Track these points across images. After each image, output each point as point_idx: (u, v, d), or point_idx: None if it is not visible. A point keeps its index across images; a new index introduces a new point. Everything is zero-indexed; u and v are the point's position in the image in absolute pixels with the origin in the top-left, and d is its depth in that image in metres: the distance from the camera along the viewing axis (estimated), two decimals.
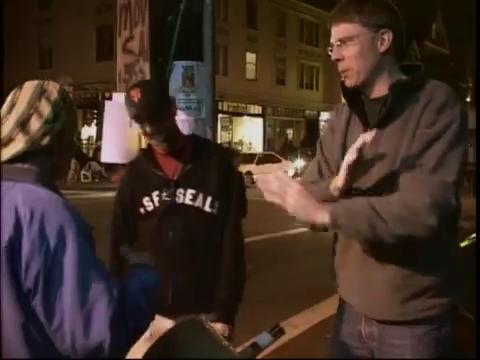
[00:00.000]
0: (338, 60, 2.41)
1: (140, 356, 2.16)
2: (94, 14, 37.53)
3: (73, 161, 29.67)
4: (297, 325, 6.38)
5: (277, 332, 2.39)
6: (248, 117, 45.75)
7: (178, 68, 4.10)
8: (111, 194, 4.55)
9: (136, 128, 4.05)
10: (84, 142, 37.52)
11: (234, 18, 41.69)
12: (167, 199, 3.10)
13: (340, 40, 2.38)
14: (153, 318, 1.99)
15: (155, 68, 4.26)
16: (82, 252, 1.79)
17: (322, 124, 53.93)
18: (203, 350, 2.21)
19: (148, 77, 4.32)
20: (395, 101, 2.35)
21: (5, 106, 1.98)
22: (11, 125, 1.94)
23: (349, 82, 2.43)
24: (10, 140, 1.94)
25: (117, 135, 3.92)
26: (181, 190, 3.10)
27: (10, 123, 1.94)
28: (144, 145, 4.28)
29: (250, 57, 45.24)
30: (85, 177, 29.51)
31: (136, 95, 2.99)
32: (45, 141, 1.94)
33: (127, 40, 4.74)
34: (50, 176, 2.00)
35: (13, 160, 1.93)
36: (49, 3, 40.36)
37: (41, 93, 1.98)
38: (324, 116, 54.02)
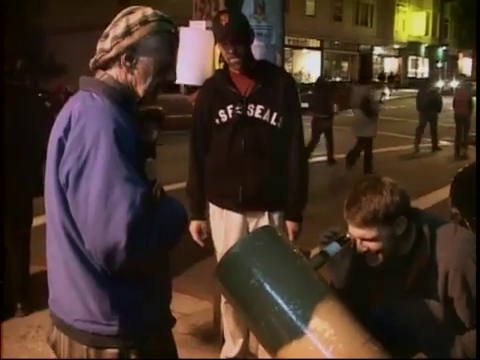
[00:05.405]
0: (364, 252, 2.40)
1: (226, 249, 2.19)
2: None
3: None
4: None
5: (344, 241, 2.35)
6: (307, 50, 44.96)
7: None
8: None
9: (215, 53, 3.98)
10: None
11: None
12: (239, 112, 3.23)
13: (363, 239, 2.35)
14: (177, 241, 1.94)
15: None
16: (112, 157, 1.76)
17: (375, 57, 52.79)
18: (277, 255, 2.18)
19: (222, 5, 4.18)
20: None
21: None
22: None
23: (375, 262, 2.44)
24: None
25: (193, 59, 3.83)
26: (252, 105, 3.23)
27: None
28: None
29: None
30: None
31: (224, 19, 3.10)
32: (112, 53, 1.93)
33: None
34: (125, 93, 1.95)
35: (95, 68, 1.99)
36: None
37: (127, 14, 1.97)
38: (377, 51, 52.80)
